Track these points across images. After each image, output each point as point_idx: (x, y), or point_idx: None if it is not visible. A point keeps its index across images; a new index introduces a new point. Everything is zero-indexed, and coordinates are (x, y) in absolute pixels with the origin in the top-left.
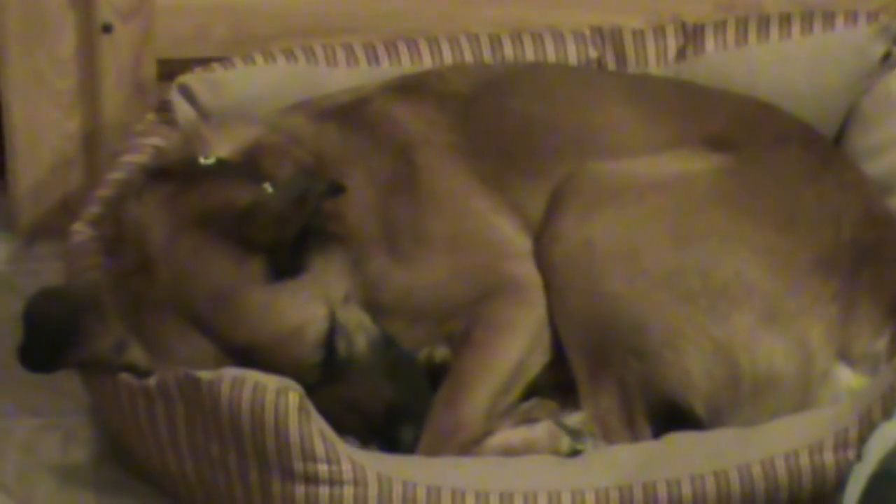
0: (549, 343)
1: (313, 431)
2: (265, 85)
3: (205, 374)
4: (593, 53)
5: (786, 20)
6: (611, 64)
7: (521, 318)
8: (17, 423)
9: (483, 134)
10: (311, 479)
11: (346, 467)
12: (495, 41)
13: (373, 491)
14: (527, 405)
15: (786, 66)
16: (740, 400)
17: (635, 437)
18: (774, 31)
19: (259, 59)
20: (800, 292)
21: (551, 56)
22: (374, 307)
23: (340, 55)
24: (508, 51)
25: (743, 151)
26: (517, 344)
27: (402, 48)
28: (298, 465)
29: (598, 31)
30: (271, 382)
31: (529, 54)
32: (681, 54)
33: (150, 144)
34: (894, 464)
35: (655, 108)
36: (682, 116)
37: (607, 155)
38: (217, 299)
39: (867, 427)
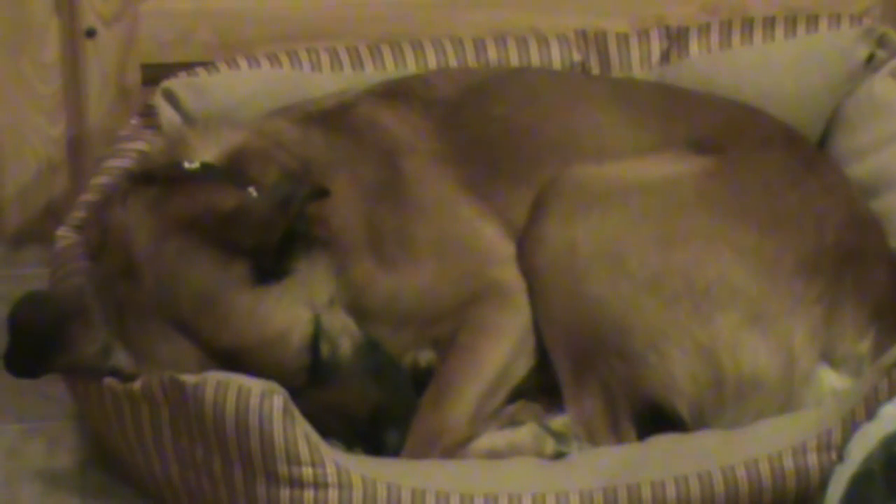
0: (534, 347)
1: (298, 435)
2: (249, 90)
3: (189, 378)
4: (577, 57)
5: (769, 23)
6: (595, 68)
7: (506, 322)
8: (1, 429)
9: (468, 140)
10: (296, 483)
11: (330, 470)
12: (479, 45)
13: (357, 494)
14: (511, 408)
15: (770, 69)
16: (724, 402)
17: (619, 439)
18: (758, 33)
19: (243, 63)
20: (783, 294)
21: (535, 60)
22: (359, 312)
23: (324, 60)
24: (492, 55)
25: (727, 154)
26: (502, 348)
27: (387, 52)
28: (283, 469)
29: (581, 35)
30: (255, 386)
31: (513, 58)
32: (665, 58)
33: (134, 149)
34: (876, 464)
35: (639, 111)
36: (666, 120)
37: (591, 159)
38: (201, 303)
39: (851, 429)
